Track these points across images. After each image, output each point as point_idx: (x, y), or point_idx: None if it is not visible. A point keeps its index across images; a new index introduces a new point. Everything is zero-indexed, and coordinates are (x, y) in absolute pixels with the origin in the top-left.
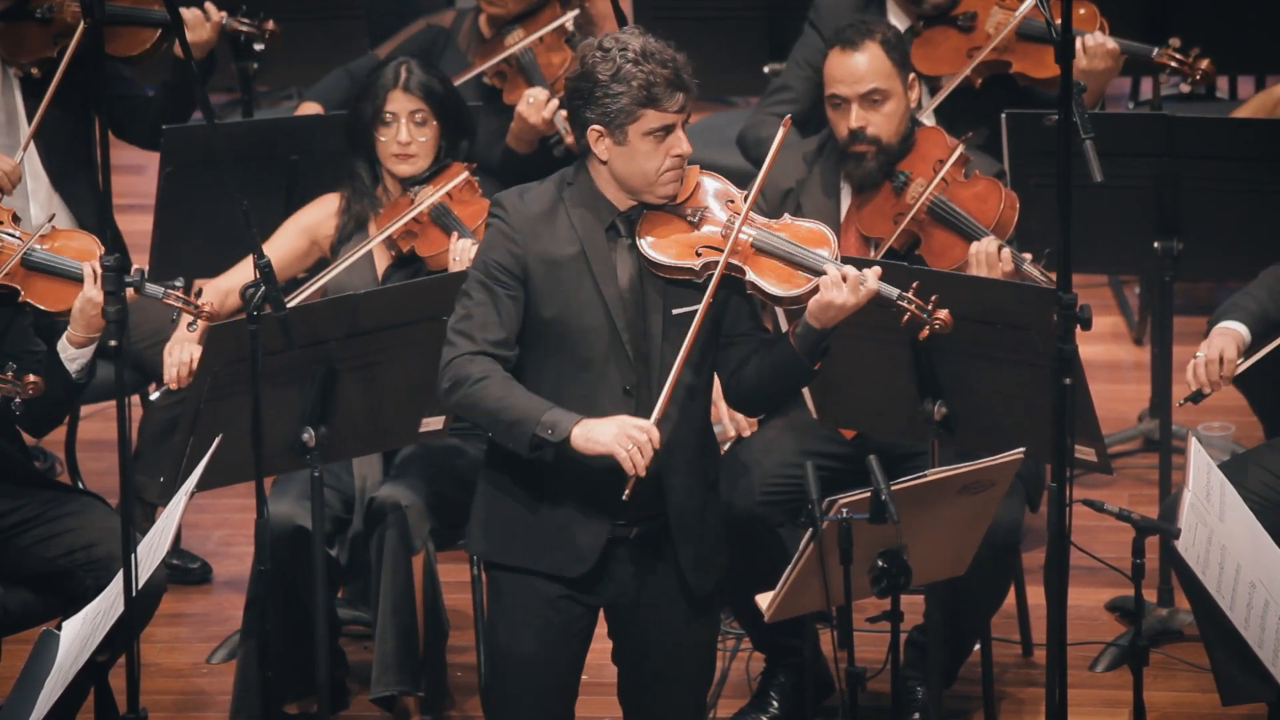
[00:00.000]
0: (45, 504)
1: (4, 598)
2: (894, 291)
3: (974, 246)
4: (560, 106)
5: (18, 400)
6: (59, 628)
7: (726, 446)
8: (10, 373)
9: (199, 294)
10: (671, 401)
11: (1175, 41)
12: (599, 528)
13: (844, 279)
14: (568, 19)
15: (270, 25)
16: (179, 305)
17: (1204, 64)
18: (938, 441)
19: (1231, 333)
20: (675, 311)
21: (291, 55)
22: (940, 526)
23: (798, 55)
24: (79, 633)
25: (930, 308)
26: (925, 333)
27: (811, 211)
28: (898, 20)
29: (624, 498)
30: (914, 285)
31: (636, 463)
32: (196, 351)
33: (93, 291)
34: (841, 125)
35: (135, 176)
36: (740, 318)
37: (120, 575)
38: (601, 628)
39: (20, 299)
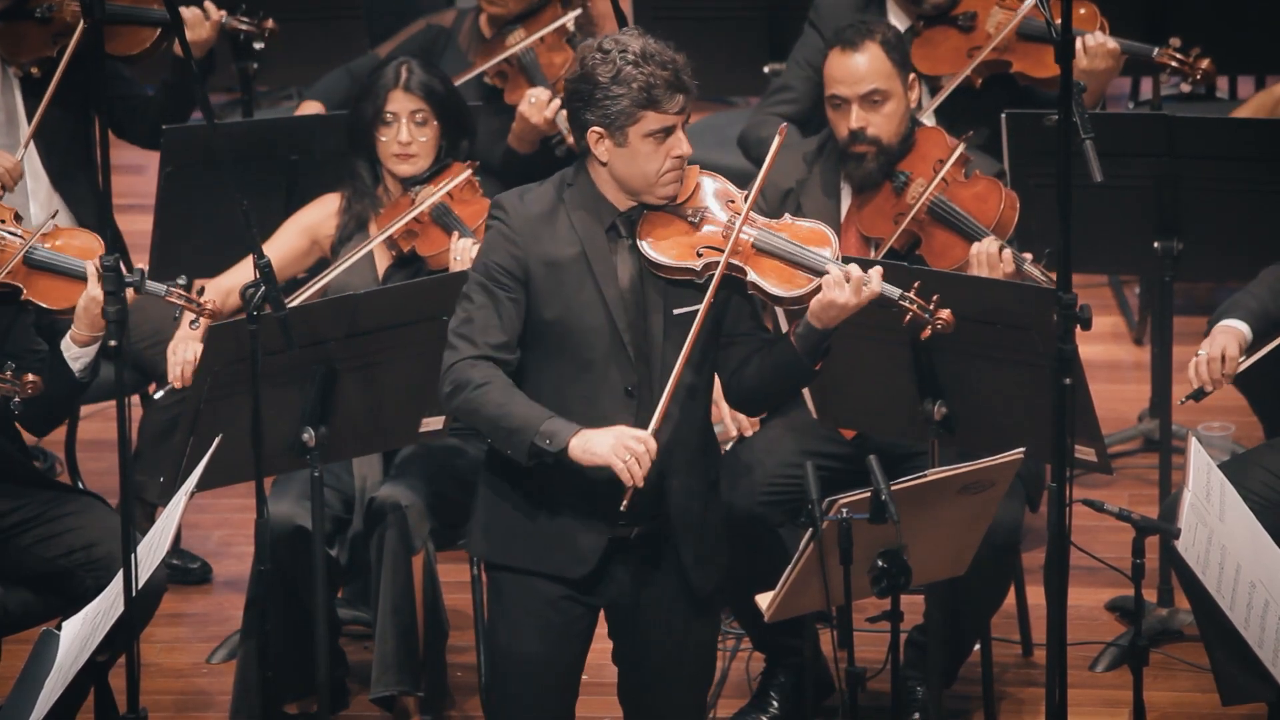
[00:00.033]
0: (45, 504)
1: (4, 598)
2: (895, 291)
3: (975, 247)
4: (562, 106)
5: (17, 400)
6: (59, 628)
7: (728, 446)
8: (9, 372)
9: (201, 292)
10: (673, 401)
11: (1175, 41)
12: (600, 529)
13: (847, 279)
14: (569, 19)
15: (270, 24)
16: (181, 303)
17: (1204, 64)
18: (938, 441)
19: (1233, 331)
20: (676, 312)
21: (291, 55)
22: (940, 526)
23: (798, 55)
24: (79, 633)
25: (932, 308)
26: (927, 333)
27: (812, 212)
28: (898, 20)
29: (621, 508)
30: (915, 285)
31: (634, 473)
32: (200, 350)
33: (96, 290)
34: (842, 126)
35: (135, 176)
36: (741, 318)
37: (120, 575)
38: (602, 628)
39: (22, 297)
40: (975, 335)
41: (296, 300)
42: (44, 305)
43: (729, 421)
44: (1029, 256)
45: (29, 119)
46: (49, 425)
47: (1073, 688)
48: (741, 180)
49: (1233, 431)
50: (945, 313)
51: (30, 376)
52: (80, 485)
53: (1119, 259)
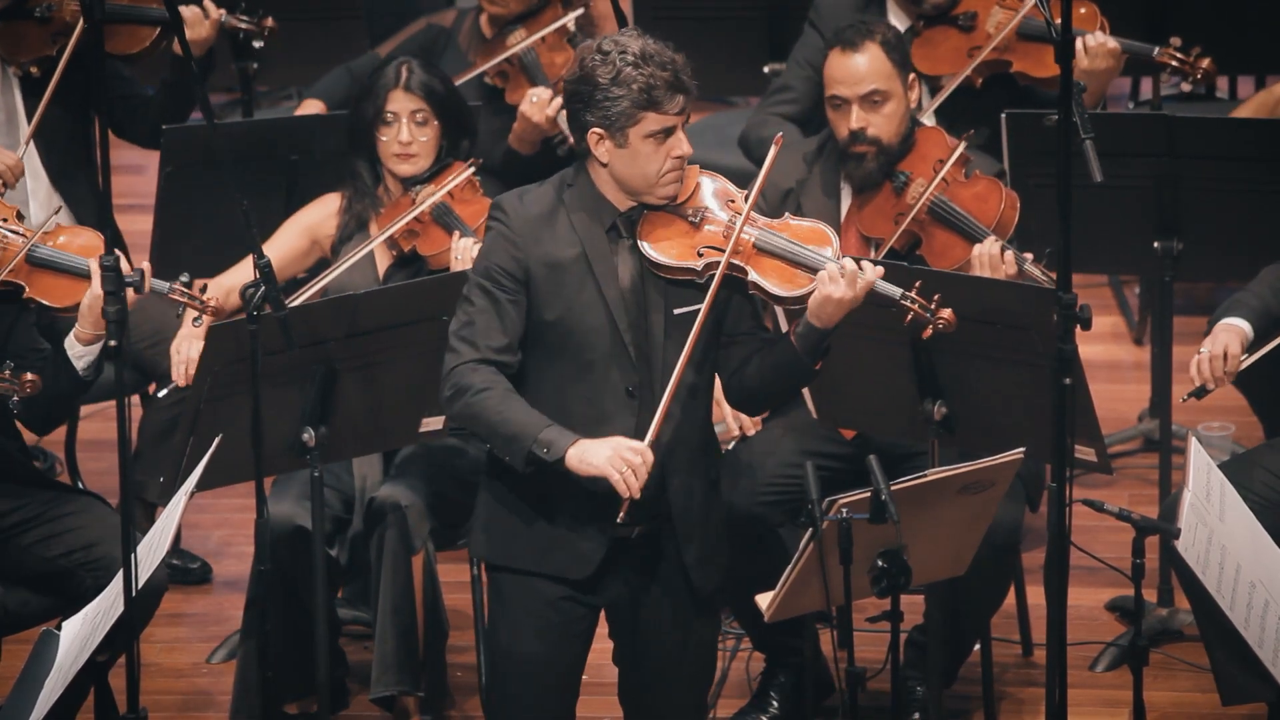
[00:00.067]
0: (45, 504)
1: (4, 598)
2: (896, 291)
3: (977, 249)
4: (561, 107)
5: (15, 399)
6: (59, 628)
7: (731, 445)
8: (8, 371)
9: (204, 289)
10: (674, 401)
11: (1176, 41)
12: (601, 530)
13: (841, 273)
14: (570, 19)
15: (269, 22)
16: (184, 300)
17: (1205, 63)
18: (938, 441)
19: (1235, 328)
20: (677, 311)
21: (291, 55)
22: (940, 526)
23: (798, 55)
24: (79, 633)
25: (933, 306)
26: (929, 332)
27: (812, 212)
28: (898, 20)
29: (618, 520)
30: (917, 284)
31: (630, 485)
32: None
33: (100, 288)
34: (842, 126)
35: (135, 176)
36: (741, 317)
37: (120, 575)
38: (602, 628)
39: (25, 295)
40: (975, 335)
41: (297, 300)
42: (47, 303)
43: (731, 421)
44: (1029, 256)
45: (29, 118)
46: (50, 424)
47: (1073, 688)
48: (741, 180)
49: (1233, 431)
50: (947, 312)
51: (29, 376)
52: (80, 485)
53: (1119, 259)
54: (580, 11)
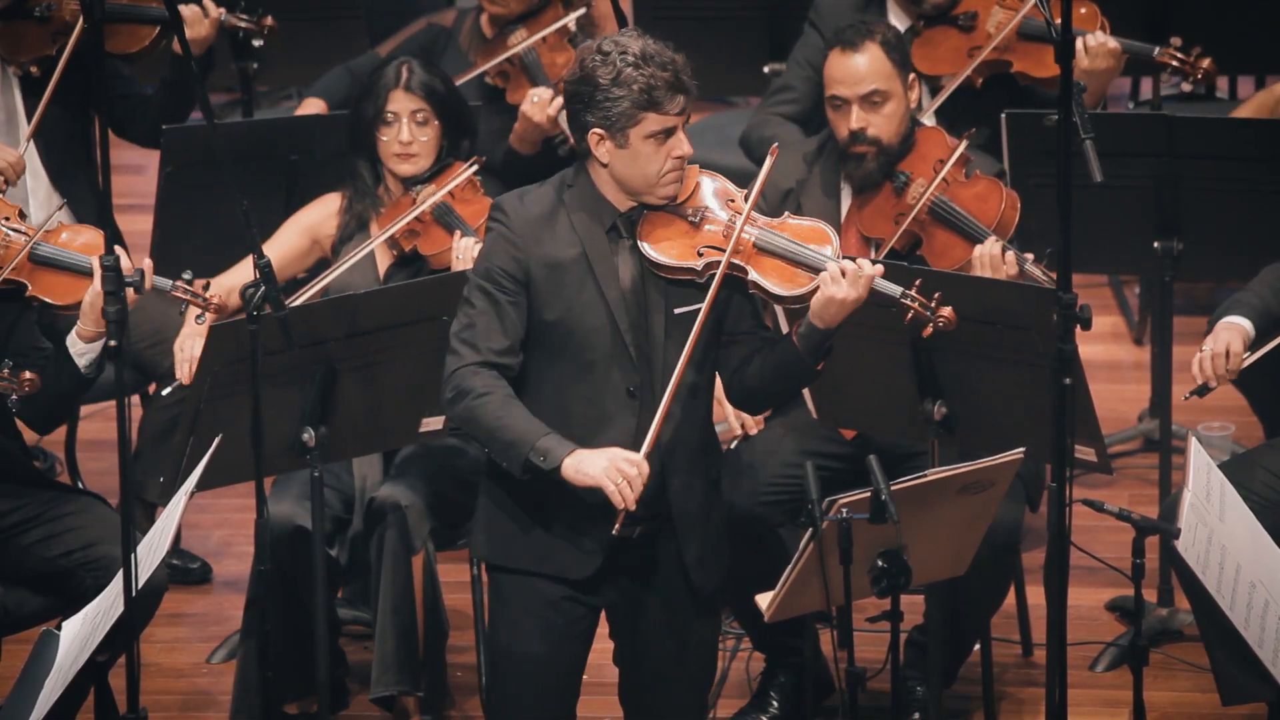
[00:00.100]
0: (45, 504)
1: (4, 598)
2: (897, 290)
3: (978, 250)
4: (561, 108)
5: (14, 397)
6: (59, 628)
7: (732, 445)
8: (7, 369)
9: (206, 287)
10: (675, 400)
11: (1176, 41)
12: (602, 530)
13: (843, 273)
14: (571, 19)
15: (269, 21)
16: (187, 298)
17: (1205, 63)
18: (938, 441)
19: (1236, 327)
20: (677, 311)
21: (291, 55)
22: (940, 526)
23: (798, 55)
24: (79, 633)
25: (934, 305)
26: (929, 330)
27: (812, 212)
28: (898, 20)
29: (614, 531)
30: (917, 283)
31: (626, 496)
32: None
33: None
34: (842, 126)
35: (135, 176)
36: (742, 317)
37: (120, 575)
38: (602, 628)
39: (28, 293)
40: (975, 335)
41: (297, 300)
42: (49, 301)
43: (733, 420)
44: (1030, 256)
45: (29, 118)
46: (52, 423)
47: (1073, 688)
48: (741, 180)
49: (1233, 431)
50: (947, 310)
51: (28, 374)
52: (80, 485)
53: (1119, 259)
54: (581, 12)
